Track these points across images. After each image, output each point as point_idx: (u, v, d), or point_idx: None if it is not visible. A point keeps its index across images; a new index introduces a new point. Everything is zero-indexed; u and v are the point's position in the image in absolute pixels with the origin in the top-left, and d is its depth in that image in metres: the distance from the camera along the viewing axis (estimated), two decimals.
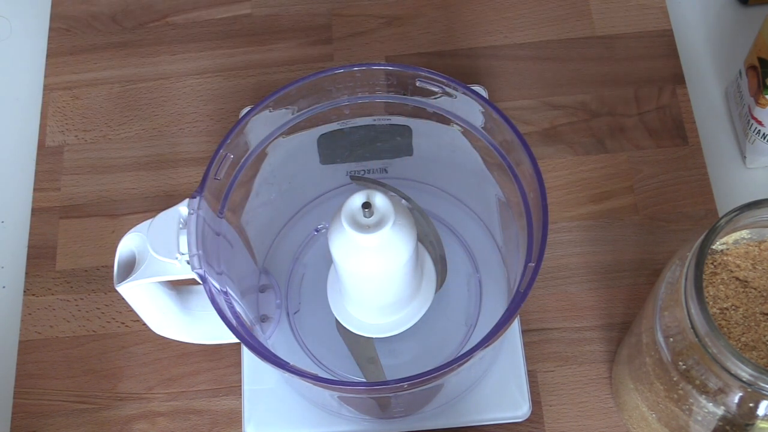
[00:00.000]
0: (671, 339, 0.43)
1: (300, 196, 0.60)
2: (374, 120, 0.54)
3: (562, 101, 0.67)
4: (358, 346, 0.55)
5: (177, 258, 0.46)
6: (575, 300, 0.60)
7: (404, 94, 0.51)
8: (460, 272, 0.58)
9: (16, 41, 0.74)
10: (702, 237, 0.40)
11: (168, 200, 0.65)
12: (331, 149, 0.56)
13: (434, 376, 0.43)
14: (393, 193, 0.56)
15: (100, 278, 0.63)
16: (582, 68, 0.68)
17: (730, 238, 0.44)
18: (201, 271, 0.45)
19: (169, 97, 0.69)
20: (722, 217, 0.41)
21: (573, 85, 0.67)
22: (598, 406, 0.57)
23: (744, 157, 0.64)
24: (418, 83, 0.49)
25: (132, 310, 0.51)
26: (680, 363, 0.43)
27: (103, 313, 0.62)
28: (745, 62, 0.62)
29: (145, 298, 0.49)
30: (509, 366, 0.56)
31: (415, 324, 0.54)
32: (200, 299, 0.52)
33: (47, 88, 0.70)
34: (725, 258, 0.43)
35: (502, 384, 0.56)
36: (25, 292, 0.63)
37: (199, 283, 0.46)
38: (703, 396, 0.42)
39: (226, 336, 0.46)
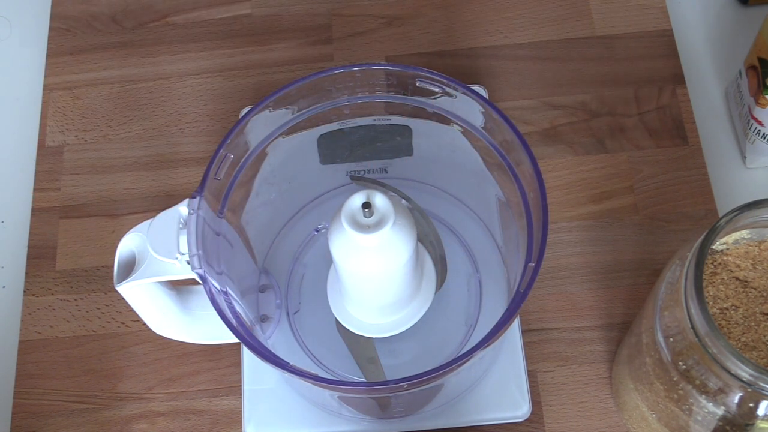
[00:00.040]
0: (671, 339, 0.43)
1: (300, 196, 0.60)
2: (374, 120, 0.54)
3: (562, 101, 0.67)
4: (358, 346, 0.55)
5: (177, 258, 0.46)
6: (575, 300, 0.60)
7: (404, 94, 0.51)
8: (460, 272, 0.58)
9: (16, 41, 0.74)
10: (702, 237, 0.40)
11: (168, 200, 0.65)
12: (331, 149, 0.56)
13: (434, 376, 0.43)
14: (393, 193, 0.56)
15: (100, 278, 0.63)
16: (582, 68, 0.68)
17: (730, 238, 0.44)
18: (201, 271, 0.45)
19: (169, 97, 0.69)
20: (722, 217, 0.41)
21: (573, 85, 0.67)
22: (598, 406, 0.57)
23: (744, 157, 0.64)
24: (418, 83, 0.49)
25: (132, 310, 0.51)
26: (680, 363, 0.43)
27: (103, 313, 0.62)
28: (745, 62, 0.62)
29: (145, 298, 0.49)
30: (509, 366, 0.56)
31: (415, 324, 0.54)
32: (200, 299, 0.52)
33: (47, 88, 0.70)
34: (725, 258, 0.43)
35: (502, 384, 0.56)
36: (25, 292, 0.63)
37: (199, 283, 0.46)
38: (703, 396, 0.42)
39: (226, 336, 0.46)
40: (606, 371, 0.58)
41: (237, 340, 0.45)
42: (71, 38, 0.72)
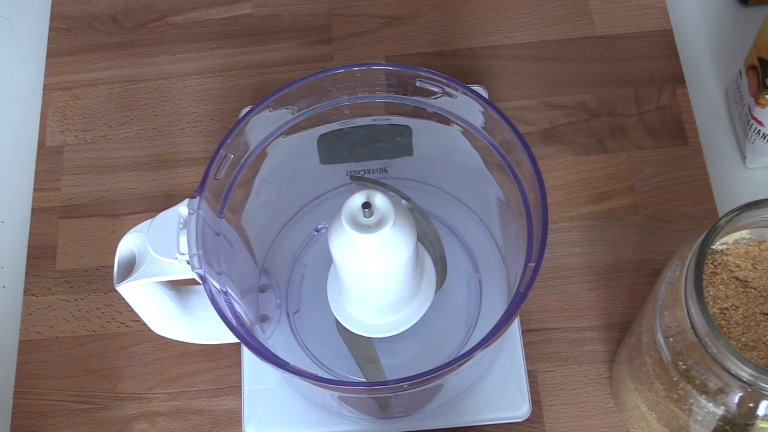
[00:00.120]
0: (671, 339, 0.43)
1: (300, 196, 0.60)
2: (374, 120, 0.54)
3: (562, 101, 0.67)
4: (358, 346, 0.55)
5: (177, 258, 0.46)
6: (575, 300, 0.60)
7: (404, 94, 0.51)
8: (460, 272, 0.58)
9: (16, 41, 0.74)
10: (702, 237, 0.40)
11: (168, 200, 0.65)
12: (331, 149, 0.56)
13: (434, 376, 0.43)
14: (393, 193, 0.56)
15: (100, 278, 0.63)
16: (582, 68, 0.68)
17: (730, 238, 0.44)
18: (201, 271, 0.45)
19: (169, 97, 0.69)
20: (722, 217, 0.41)
21: (573, 85, 0.67)
22: (598, 406, 0.57)
23: (744, 157, 0.64)
24: (418, 83, 0.49)
25: (132, 310, 0.51)
26: (680, 363, 0.43)
27: (103, 313, 0.62)
28: (745, 62, 0.62)
29: (145, 298, 0.49)
30: (509, 366, 0.56)
31: (415, 324, 0.54)
32: (200, 299, 0.52)
33: (47, 88, 0.70)
34: (725, 258, 0.43)
35: (502, 384, 0.56)
36: (25, 292, 0.63)
37: (199, 283, 0.46)
38: (703, 396, 0.42)
39: (226, 336, 0.46)
40: (606, 371, 0.58)
41: (237, 340, 0.45)
42: (71, 38, 0.72)
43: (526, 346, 0.58)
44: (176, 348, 0.60)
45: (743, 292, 0.43)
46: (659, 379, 0.46)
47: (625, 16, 0.70)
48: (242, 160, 0.50)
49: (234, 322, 0.45)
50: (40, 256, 0.64)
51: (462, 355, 0.43)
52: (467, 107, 0.49)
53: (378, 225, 0.45)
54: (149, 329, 0.53)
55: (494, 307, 0.56)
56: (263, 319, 0.56)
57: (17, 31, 0.74)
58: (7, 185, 0.68)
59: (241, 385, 0.57)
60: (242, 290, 0.52)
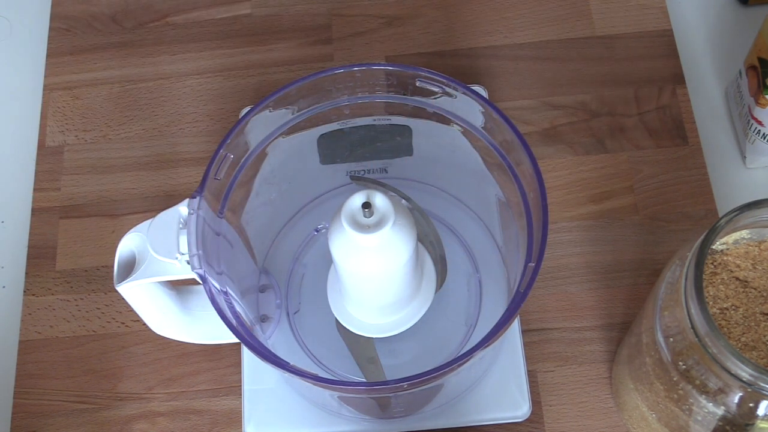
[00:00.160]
0: (671, 339, 0.43)
1: (300, 196, 0.60)
2: (374, 120, 0.54)
3: (562, 101, 0.67)
4: (358, 346, 0.55)
5: (177, 258, 0.46)
6: (575, 300, 0.60)
7: (404, 94, 0.51)
8: (460, 272, 0.58)
9: (16, 41, 0.74)
10: (702, 237, 0.40)
11: (168, 200, 0.65)
12: (331, 149, 0.56)
13: (434, 376, 0.43)
14: (393, 193, 0.56)
15: (100, 278, 0.63)
16: (582, 68, 0.68)
17: (730, 238, 0.44)
18: (201, 271, 0.45)
19: (169, 97, 0.69)
20: (722, 217, 0.41)
21: (573, 85, 0.67)
22: (598, 406, 0.57)
23: (744, 157, 0.64)
24: (418, 83, 0.49)
25: (132, 310, 0.51)
26: (680, 363, 0.43)
27: (103, 313, 0.62)
28: (745, 62, 0.62)
29: (145, 298, 0.49)
30: (509, 366, 0.56)
31: (415, 324, 0.54)
32: (200, 299, 0.52)
33: (47, 88, 0.70)
34: (725, 258, 0.43)
35: (502, 384, 0.56)
36: (25, 292, 0.63)
37: (199, 283, 0.46)
38: (703, 396, 0.42)
39: (226, 336, 0.46)
40: (606, 371, 0.58)
41: (237, 340, 0.45)
42: (71, 38, 0.72)
43: (526, 346, 0.58)
44: (176, 348, 0.60)
45: (743, 292, 0.43)
46: (659, 379, 0.46)
47: (625, 16, 0.70)
48: (242, 160, 0.50)
49: (234, 322, 0.45)
50: (40, 256, 0.64)
51: (462, 355, 0.43)
52: (467, 107, 0.49)
53: (378, 225, 0.45)
54: (149, 329, 0.53)
55: (494, 307, 0.56)
56: (263, 319, 0.56)
57: (17, 31, 0.74)
58: (7, 185, 0.68)
59: (241, 385, 0.57)
60: (242, 290, 0.52)
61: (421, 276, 0.54)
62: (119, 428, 0.59)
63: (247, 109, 0.57)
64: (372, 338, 0.54)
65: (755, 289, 0.43)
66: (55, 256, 0.64)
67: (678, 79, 0.67)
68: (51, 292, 0.63)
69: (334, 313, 0.55)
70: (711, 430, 0.44)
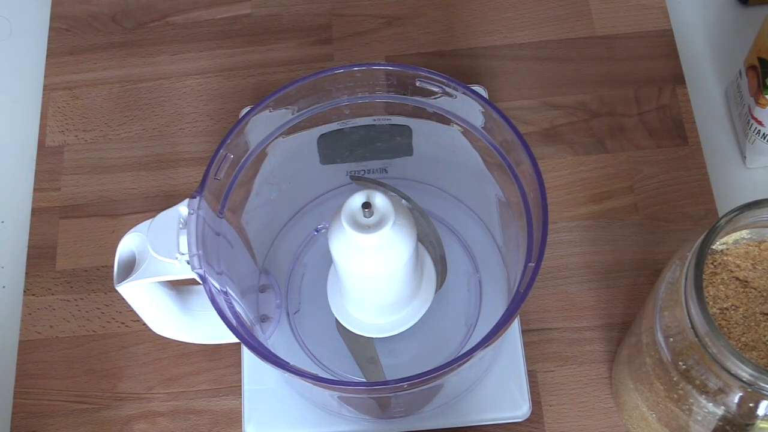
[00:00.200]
0: (671, 339, 0.43)
1: (300, 196, 0.60)
2: (374, 120, 0.54)
3: (562, 101, 0.67)
4: (358, 346, 0.55)
5: (177, 258, 0.46)
6: (575, 300, 0.60)
7: (404, 94, 0.51)
8: (460, 272, 0.58)
9: (16, 41, 0.74)
10: (702, 237, 0.40)
11: (168, 200, 0.65)
12: (331, 149, 0.56)
13: (434, 376, 0.43)
14: (393, 193, 0.56)
15: (100, 278, 0.63)
16: (582, 68, 0.68)
17: (730, 238, 0.44)
18: (201, 271, 0.45)
19: (169, 97, 0.69)
20: (722, 217, 0.41)
21: (573, 85, 0.67)
22: (598, 406, 0.57)
23: (744, 157, 0.64)
24: (418, 83, 0.49)
25: (132, 310, 0.51)
26: (680, 363, 0.43)
27: (103, 313, 0.62)
28: (745, 62, 0.62)
29: (145, 298, 0.49)
30: (509, 366, 0.56)
31: (415, 324, 0.54)
32: (200, 299, 0.52)
33: (47, 88, 0.70)
34: (725, 258, 0.43)
35: (502, 384, 0.56)
36: (25, 292, 0.63)
37: (199, 283, 0.46)
38: (703, 396, 0.42)
39: (226, 336, 0.46)
40: (606, 371, 0.58)
41: (237, 340, 0.45)
42: (71, 38, 0.72)
43: (526, 346, 0.58)
44: (176, 348, 0.60)
45: (743, 292, 0.43)
46: (659, 379, 0.46)
47: (625, 16, 0.70)
48: (242, 160, 0.50)
49: (234, 322, 0.45)
50: (40, 256, 0.64)
51: (462, 355, 0.43)
52: (467, 107, 0.49)
53: (378, 225, 0.45)
54: (149, 329, 0.53)
55: (494, 307, 0.56)
56: (263, 319, 0.56)
57: (17, 31, 0.74)
58: (7, 185, 0.68)
59: (241, 385, 0.57)
60: (242, 290, 0.52)
61: (421, 276, 0.54)
62: (119, 428, 0.59)
63: (247, 109, 0.57)
64: (372, 338, 0.54)
65: (755, 289, 0.43)
66: (55, 256, 0.64)
67: (678, 79, 0.67)
68: (51, 292, 0.63)
69: (334, 313, 0.55)
70: (711, 430, 0.44)
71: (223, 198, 0.49)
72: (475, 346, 0.43)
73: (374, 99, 0.52)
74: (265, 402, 0.56)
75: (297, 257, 0.60)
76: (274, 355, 0.44)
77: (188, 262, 0.46)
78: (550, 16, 0.70)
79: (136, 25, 0.72)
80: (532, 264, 0.44)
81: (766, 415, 0.41)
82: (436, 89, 0.49)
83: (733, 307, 0.42)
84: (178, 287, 0.52)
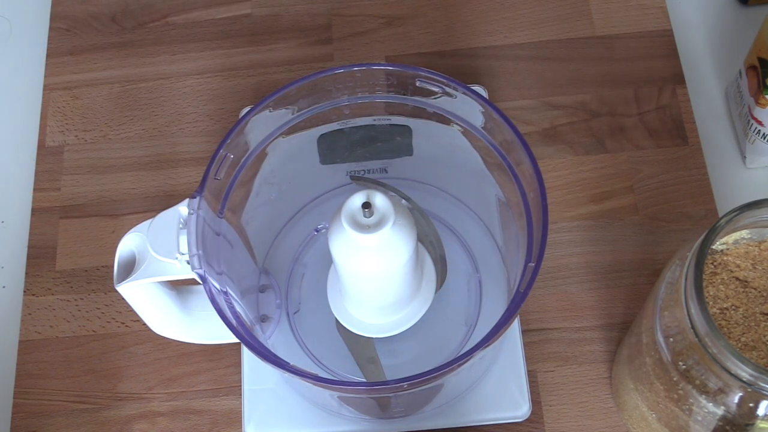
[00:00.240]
0: (671, 339, 0.43)
1: (300, 196, 0.60)
2: (374, 120, 0.54)
3: (562, 101, 0.67)
4: (358, 346, 0.55)
5: (177, 258, 0.46)
6: (575, 300, 0.60)
7: (404, 94, 0.51)
8: (460, 272, 0.58)
9: (16, 41, 0.74)
10: (702, 237, 0.40)
11: (168, 200, 0.65)
12: (331, 149, 0.56)
13: (434, 376, 0.43)
14: (393, 193, 0.56)
15: (100, 278, 0.63)
16: (582, 68, 0.68)
17: (730, 238, 0.44)
18: (201, 271, 0.45)
19: (169, 97, 0.69)
20: (722, 217, 0.40)
21: (573, 85, 0.67)
22: (598, 406, 0.57)
23: (744, 157, 0.64)
24: (418, 83, 0.49)
25: (132, 310, 0.51)
26: (680, 363, 0.43)
27: (103, 313, 0.62)
28: (745, 62, 0.62)
29: (145, 298, 0.49)
30: (509, 366, 0.56)
31: (415, 324, 0.54)
32: (200, 299, 0.52)
33: (47, 88, 0.70)
34: (725, 258, 0.43)
35: (502, 384, 0.56)
36: (25, 292, 0.63)
37: (199, 283, 0.46)
38: (703, 396, 0.42)
39: (226, 336, 0.46)
40: (606, 371, 0.58)
41: (237, 340, 0.45)
42: (71, 38, 0.72)
43: (526, 346, 0.58)
44: (176, 348, 0.60)
45: (743, 292, 0.43)
46: (659, 379, 0.46)
47: (625, 16, 0.70)
48: (242, 160, 0.50)
49: (234, 322, 0.45)
50: (40, 256, 0.64)
51: (462, 355, 0.43)
52: (467, 107, 0.49)
53: (378, 225, 0.45)
54: (149, 329, 0.53)
55: (494, 307, 0.56)
56: (263, 319, 0.56)
57: (17, 31, 0.74)
58: (7, 185, 0.68)
59: (241, 385, 0.57)
60: (242, 290, 0.52)
61: (421, 276, 0.54)
62: (119, 428, 0.59)
63: (247, 109, 0.57)
64: (372, 338, 0.54)
65: (755, 289, 0.43)
66: (55, 256, 0.64)
67: (678, 79, 0.67)
68: (51, 292, 0.63)
69: (334, 313, 0.55)
70: (711, 430, 0.44)
71: (223, 198, 0.49)
72: (475, 346, 0.43)
73: (374, 99, 0.52)
74: (265, 402, 0.56)
75: (297, 257, 0.60)
76: (274, 355, 0.44)
77: (188, 262, 0.46)
78: (550, 16, 0.70)
79: (136, 25, 0.72)
80: (532, 264, 0.44)
81: (766, 415, 0.41)
82: (436, 89, 0.49)
83: (733, 307, 0.42)
84: (178, 287, 0.52)
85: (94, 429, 0.59)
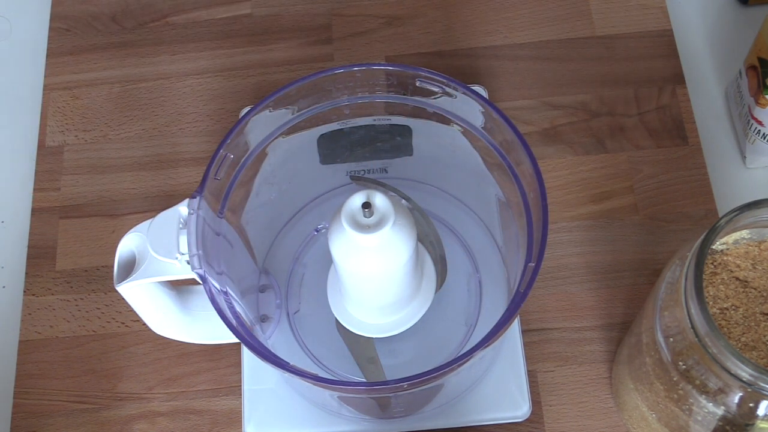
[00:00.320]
0: (671, 339, 0.43)
1: (300, 196, 0.60)
2: (374, 120, 0.54)
3: (562, 101, 0.67)
4: (358, 346, 0.55)
5: (177, 258, 0.46)
6: (575, 300, 0.60)
7: (404, 94, 0.51)
8: (460, 272, 0.58)
9: (16, 41, 0.74)
10: (702, 237, 0.40)
11: (168, 200, 0.65)
12: (331, 149, 0.56)
13: (434, 376, 0.43)
14: (393, 193, 0.56)
15: (100, 278, 0.63)
16: (582, 68, 0.68)
17: (730, 238, 0.44)
18: (201, 271, 0.45)
19: (169, 97, 0.69)
20: (722, 217, 0.41)
21: (573, 85, 0.67)
22: (598, 406, 0.57)
23: (744, 157, 0.64)
24: (418, 83, 0.49)
25: (132, 310, 0.51)
26: (680, 363, 0.43)
27: (103, 313, 0.62)
28: (745, 62, 0.62)
29: (145, 298, 0.49)
30: (509, 366, 0.56)
31: (415, 324, 0.54)
32: (200, 299, 0.52)
33: (47, 88, 0.70)
34: (725, 258, 0.43)
35: (502, 384, 0.56)
36: (25, 292, 0.63)
37: (199, 283, 0.46)
38: (703, 396, 0.42)
39: (226, 336, 0.46)
40: (606, 371, 0.58)
41: (237, 340, 0.45)
42: (71, 38, 0.72)
43: (526, 346, 0.58)
44: (176, 348, 0.60)
45: (743, 292, 0.43)
46: (659, 379, 0.46)
47: (625, 16, 0.70)
48: (242, 160, 0.50)
49: (234, 322, 0.45)
50: (40, 256, 0.64)
51: (462, 355, 0.43)
52: (467, 107, 0.49)
53: (378, 225, 0.45)
54: (149, 329, 0.53)
55: (494, 307, 0.56)
56: (263, 319, 0.56)
57: (17, 31, 0.74)
58: (7, 185, 0.68)
59: (241, 385, 0.57)
60: (242, 290, 0.52)
61: (421, 276, 0.54)
62: (119, 428, 0.59)
63: (247, 109, 0.57)
64: (372, 338, 0.54)
65: (755, 289, 0.43)
66: (55, 256, 0.64)
67: (678, 79, 0.67)
68: (51, 292, 0.63)
69: (334, 313, 0.55)
70: (711, 430, 0.44)
71: (223, 198, 0.49)
72: (475, 346, 0.43)
73: (374, 99, 0.52)
74: (265, 402, 0.56)
75: (297, 257, 0.60)
76: (274, 355, 0.44)
77: (188, 262, 0.46)
78: (550, 16, 0.70)
79: (136, 25, 0.72)
80: (532, 264, 0.44)
81: (766, 415, 0.41)
82: (436, 89, 0.49)
83: (733, 307, 0.42)
84: (178, 287, 0.52)
85: (94, 429, 0.59)
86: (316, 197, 0.60)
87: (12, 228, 0.66)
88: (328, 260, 0.52)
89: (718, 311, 0.42)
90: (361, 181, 0.58)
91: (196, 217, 0.46)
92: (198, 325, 0.53)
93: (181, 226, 0.47)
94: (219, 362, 0.60)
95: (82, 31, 0.72)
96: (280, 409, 0.56)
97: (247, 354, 0.58)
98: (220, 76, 0.70)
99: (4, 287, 0.64)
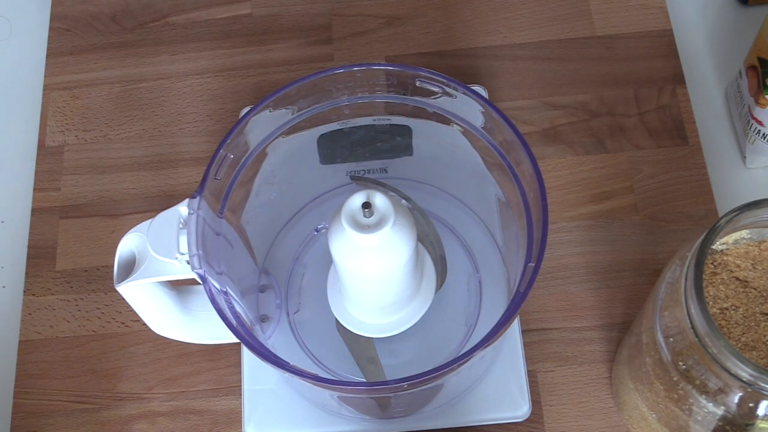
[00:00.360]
0: (671, 339, 0.43)
1: (300, 196, 0.60)
2: (374, 120, 0.54)
3: (562, 101, 0.67)
4: (358, 346, 0.55)
5: (177, 258, 0.46)
6: (575, 300, 0.60)
7: (404, 94, 0.51)
8: (460, 272, 0.58)
9: (16, 41, 0.74)
10: (702, 237, 0.40)
11: (168, 200, 0.65)
12: (331, 149, 0.56)
13: (434, 376, 0.43)
14: (393, 193, 0.56)
15: (100, 278, 0.63)
16: (582, 68, 0.68)
17: (730, 238, 0.44)
18: (201, 271, 0.45)
19: (169, 97, 0.69)
20: (722, 217, 0.41)
21: (573, 85, 0.67)
22: (598, 406, 0.57)
23: (744, 157, 0.64)
24: (418, 83, 0.49)
25: (132, 310, 0.51)
26: (680, 363, 0.43)
27: (103, 313, 0.62)
28: (745, 62, 0.62)
29: (145, 298, 0.49)
30: (509, 366, 0.56)
31: (415, 324, 0.54)
32: (200, 299, 0.52)
33: (47, 88, 0.70)
34: (725, 258, 0.43)
35: (502, 384, 0.56)
36: (25, 292, 0.63)
37: (199, 283, 0.46)
38: (703, 396, 0.42)
39: (226, 336, 0.46)
40: (606, 371, 0.58)
41: (237, 340, 0.45)
42: (71, 38, 0.72)
43: (526, 346, 0.58)
44: (176, 348, 0.60)
45: (743, 292, 0.43)
46: (659, 379, 0.46)
47: (625, 16, 0.70)
48: (242, 160, 0.50)
49: (234, 322, 0.45)
50: (40, 256, 0.64)
51: (462, 355, 0.43)
52: (467, 107, 0.49)
53: (378, 225, 0.45)
54: (149, 329, 0.53)
55: (494, 307, 0.56)
56: (263, 319, 0.56)
57: (17, 31, 0.74)
58: (7, 185, 0.68)
59: (241, 385, 0.57)
60: (242, 290, 0.52)
61: (421, 276, 0.54)
62: (119, 428, 0.59)
63: (247, 109, 0.57)
64: (372, 338, 0.54)
65: (755, 289, 0.43)
66: (55, 256, 0.64)
67: (678, 79, 0.67)
68: (51, 292, 0.63)
69: (334, 313, 0.55)
70: (711, 430, 0.44)
71: (223, 198, 0.49)
72: (475, 346, 0.43)
73: (374, 99, 0.52)
74: (265, 402, 0.56)
75: (297, 257, 0.60)
76: (274, 355, 0.44)
77: (188, 262, 0.46)
78: (550, 16, 0.70)
79: (136, 25, 0.72)
80: (532, 264, 0.44)
81: (766, 415, 0.41)
82: (436, 89, 0.49)
83: (733, 307, 0.42)
84: (178, 287, 0.52)
85: (94, 429, 0.59)
86: (316, 197, 0.60)
87: (12, 228, 0.66)
88: (328, 260, 0.52)
89: (718, 311, 0.42)
90: (361, 181, 0.58)
91: (196, 217, 0.46)
92: (198, 325, 0.53)
93: (181, 226, 0.47)
94: (219, 362, 0.60)
95: (82, 31, 0.72)
96: (280, 409, 0.56)
97: (247, 354, 0.58)
98: (220, 76, 0.70)
99: (4, 287, 0.64)
